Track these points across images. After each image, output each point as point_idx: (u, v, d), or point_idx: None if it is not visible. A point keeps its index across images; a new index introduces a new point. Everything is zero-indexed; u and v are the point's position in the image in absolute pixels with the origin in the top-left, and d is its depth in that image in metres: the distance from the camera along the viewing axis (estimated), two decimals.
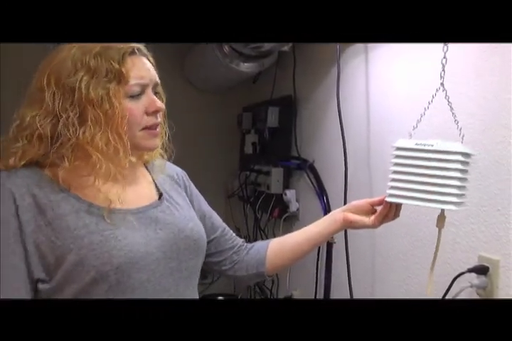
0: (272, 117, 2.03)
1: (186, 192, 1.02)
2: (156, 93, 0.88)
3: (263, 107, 2.08)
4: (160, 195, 0.93)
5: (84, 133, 0.80)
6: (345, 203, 1.44)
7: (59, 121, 0.79)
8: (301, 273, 1.86)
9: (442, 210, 0.94)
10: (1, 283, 0.76)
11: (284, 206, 1.94)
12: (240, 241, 1.08)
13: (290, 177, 2.00)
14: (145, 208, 0.88)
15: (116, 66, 0.80)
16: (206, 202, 1.06)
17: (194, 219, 0.95)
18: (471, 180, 1.05)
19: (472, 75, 1.07)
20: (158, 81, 0.88)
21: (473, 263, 1.04)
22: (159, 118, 0.87)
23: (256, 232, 2.18)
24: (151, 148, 0.89)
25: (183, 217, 0.92)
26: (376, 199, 0.99)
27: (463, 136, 0.98)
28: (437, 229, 0.96)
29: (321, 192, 1.73)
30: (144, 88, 0.85)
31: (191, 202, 1.01)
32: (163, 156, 0.97)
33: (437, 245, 0.96)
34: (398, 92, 1.34)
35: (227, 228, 1.08)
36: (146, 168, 0.98)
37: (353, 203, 1.02)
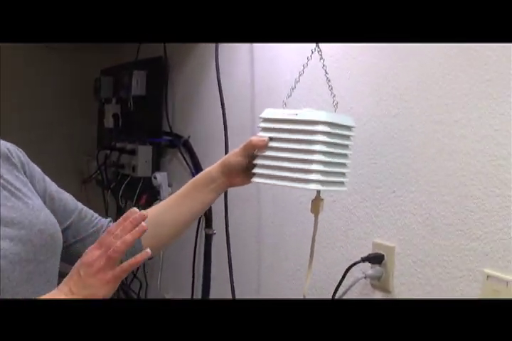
0: (138, 83, 1.99)
1: (25, 172, 0.93)
2: None
3: (127, 71, 2.02)
4: None
5: None
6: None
7: None
8: (174, 271, 1.84)
9: (318, 193, 0.96)
10: None
11: (153, 192, 1.92)
12: (105, 222, 1.04)
13: (161, 156, 1.98)
14: None
15: None
16: (52, 181, 0.99)
17: (44, 209, 0.90)
18: (364, 158, 1.12)
19: (367, 44, 1.11)
20: None
21: (368, 251, 1.10)
22: None
23: None
24: None
25: (31, 208, 0.86)
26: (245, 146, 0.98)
27: (336, 103, 1.01)
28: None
29: (198, 173, 1.72)
30: None
31: (33, 184, 0.93)
32: None
33: (313, 235, 0.98)
34: (285, 61, 1.35)
35: (86, 208, 1.03)
36: None
37: (228, 163, 1.00)
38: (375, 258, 1.07)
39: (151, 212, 1.02)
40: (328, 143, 0.90)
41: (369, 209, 1.12)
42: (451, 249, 0.95)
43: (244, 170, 0.98)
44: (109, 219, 1.05)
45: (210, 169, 1.02)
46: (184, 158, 1.80)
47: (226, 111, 1.51)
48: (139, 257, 0.75)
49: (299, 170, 0.90)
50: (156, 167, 1.98)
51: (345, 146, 0.96)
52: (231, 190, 1.50)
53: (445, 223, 0.96)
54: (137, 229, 0.75)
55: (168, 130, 1.90)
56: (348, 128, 0.96)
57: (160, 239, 1.02)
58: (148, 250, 0.76)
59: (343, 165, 0.96)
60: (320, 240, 1.23)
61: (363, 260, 1.07)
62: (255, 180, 0.96)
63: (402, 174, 1.04)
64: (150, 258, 1.02)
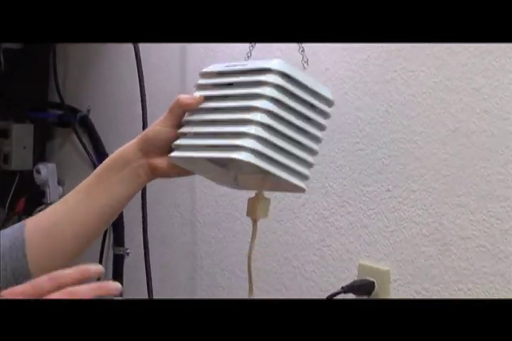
0: None
1: None
2: None
3: None
4: None
5: None
6: None
7: None
8: None
9: (259, 191, 0.93)
10: None
11: (35, 193, 1.93)
12: None
13: (47, 140, 2.00)
14: None
15: None
16: None
17: None
18: (346, 143, 1.12)
19: None
20: None
21: (352, 277, 1.10)
22: None
23: None
24: None
25: None
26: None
27: (306, 60, 1.00)
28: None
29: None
30: None
31: None
32: None
33: (250, 252, 0.94)
34: None
35: None
36: None
37: (150, 136, 0.98)
38: (362, 288, 1.07)
39: (43, 218, 1.01)
40: (281, 102, 0.88)
41: (353, 217, 1.12)
42: (469, 274, 0.95)
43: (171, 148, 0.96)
44: None
45: (124, 147, 0.99)
46: (82, 141, 1.80)
47: (144, 75, 1.51)
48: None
49: (229, 135, 0.88)
50: (40, 156, 1.98)
51: (310, 120, 0.92)
52: (151, 192, 1.50)
53: (460, 236, 0.96)
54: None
55: (57, 100, 1.90)
56: (325, 99, 0.93)
57: (56, 256, 1.00)
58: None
59: (306, 148, 0.92)
60: (282, 262, 1.22)
61: (345, 290, 1.08)
62: (173, 154, 0.93)
63: (400, 165, 1.04)
64: None
